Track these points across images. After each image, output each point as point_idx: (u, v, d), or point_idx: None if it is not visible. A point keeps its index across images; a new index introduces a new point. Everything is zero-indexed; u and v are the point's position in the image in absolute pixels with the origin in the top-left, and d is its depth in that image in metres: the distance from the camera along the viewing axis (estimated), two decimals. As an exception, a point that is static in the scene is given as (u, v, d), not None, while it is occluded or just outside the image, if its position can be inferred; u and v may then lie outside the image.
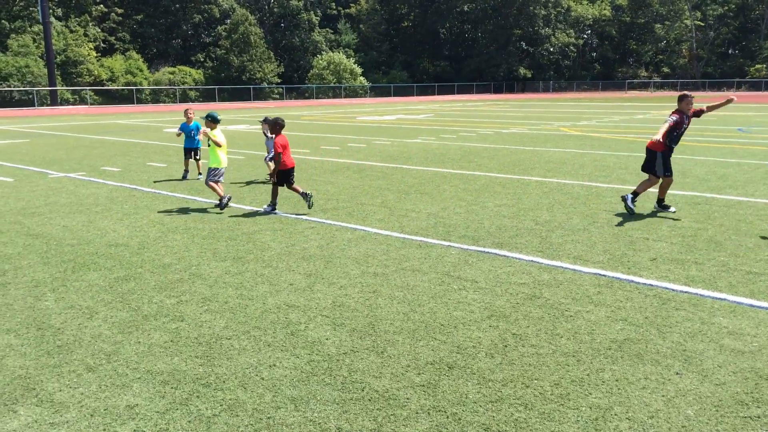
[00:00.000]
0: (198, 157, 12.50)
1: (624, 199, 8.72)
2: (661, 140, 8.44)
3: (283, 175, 8.94)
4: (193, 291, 5.61)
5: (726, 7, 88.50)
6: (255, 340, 4.54)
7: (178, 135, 12.38)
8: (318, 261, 6.50)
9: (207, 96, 64.39)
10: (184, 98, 62.57)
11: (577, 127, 24.37)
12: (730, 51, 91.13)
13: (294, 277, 5.96)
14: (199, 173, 12.36)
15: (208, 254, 6.80)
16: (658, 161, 8.61)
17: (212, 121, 9.20)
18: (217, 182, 9.30)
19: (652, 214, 8.55)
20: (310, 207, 9.03)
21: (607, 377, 3.93)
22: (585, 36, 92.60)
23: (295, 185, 9.07)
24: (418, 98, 70.27)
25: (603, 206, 9.13)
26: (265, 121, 10.94)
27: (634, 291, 5.51)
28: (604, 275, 5.95)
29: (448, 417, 3.49)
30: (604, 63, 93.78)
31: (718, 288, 5.53)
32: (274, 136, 8.90)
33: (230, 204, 9.42)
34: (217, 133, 9.22)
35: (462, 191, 10.54)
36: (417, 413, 3.53)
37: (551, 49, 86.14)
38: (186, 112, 12.40)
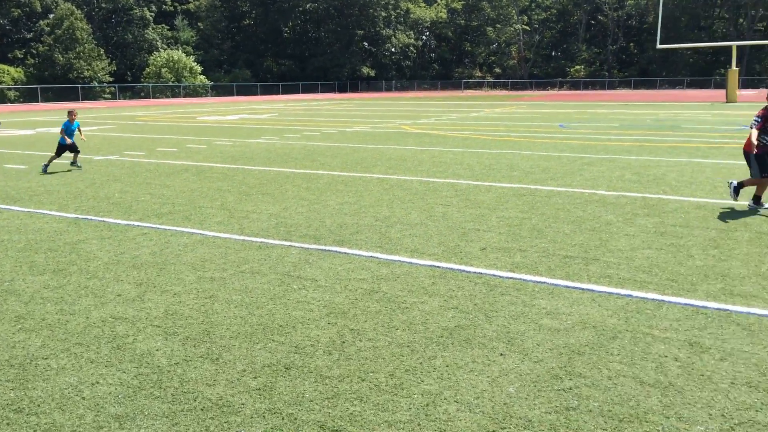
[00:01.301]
0: (78, 150, 13.70)
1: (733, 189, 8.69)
2: (754, 142, 8.22)
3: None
4: (5, 309, 5.12)
5: (548, 12, 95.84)
6: (76, 357, 4.23)
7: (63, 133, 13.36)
8: (150, 269, 6.19)
9: (29, 96, 59.22)
10: (2, 99, 57.12)
11: (417, 125, 25.24)
12: (553, 53, 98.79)
13: (123, 288, 5.63)
14: (75, 162, 13.63)
15: (24, 268, 6.25)
16: (752, 162, 8.54)
17: None
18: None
19: (484, 207, 9.03)
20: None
21: (439, 364, 4.09)
22: (424, 37, 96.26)
23: None
24: (262, 98, 69.33)
25: (439, 200, 9.52)
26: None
27: (465, 280, 5.79)
28: (438, 266, 6.20)
29: (284, 418, 3.46)
30: (442, 63, 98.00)
31: (539, 272, 5.95)
32: None
33: (51, 212, 8.73)
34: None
35: (304, 190, 10.53)
36: (252, 418, 3.47)
37: (392, 50, 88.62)
38: (70, 113, 13.59)
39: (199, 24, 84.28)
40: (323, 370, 4.03)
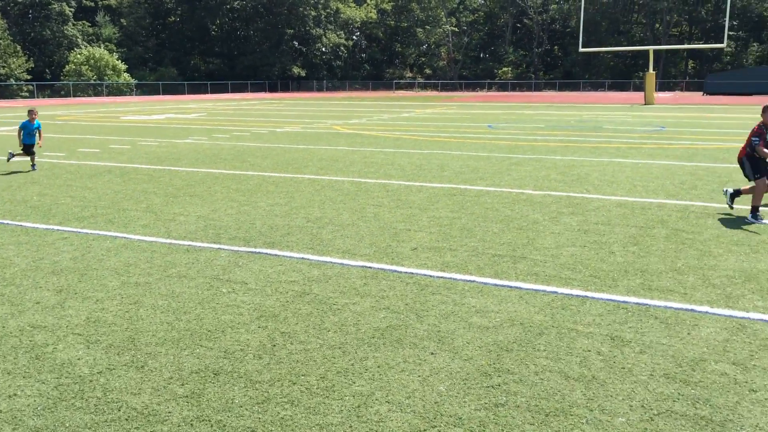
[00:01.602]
0: (34, 152, 13.40)
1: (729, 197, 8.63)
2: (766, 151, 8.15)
3: None
4: None
5: (476, 15, 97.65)
6: (-10, 369, 4.02)
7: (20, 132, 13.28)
8: (71, 274, 5.94)
9: (-62, 94, 55.98)
10: None
11: (349, 126, 25.23)
12: (481, 55, 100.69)
13: (42, 295, 5.39)
14: (34, 165, 13.30)
15: (-66, 276, 5.89)
16: (746, 165, 8.47)
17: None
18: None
19: (415, 208, 9.11)
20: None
21: (370, 365, 4.10)
22: (354, 37, 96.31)
23: None
24: (190, 96, 67.79)
25: (371, 201, 9.54)
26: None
27: (396, 280, 5.82)
28: (370, 267, 6.21)
29: (212, 425, 3.39)
30: (373, 64, 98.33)
31: (469, 271, 6.05)
32: None
33: (-35, 217, 8.28)
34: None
35: (234, 192, 10.35)
36: (179, 426, 3.38)
37: (323, 49, 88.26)
38: (30, 112, 13.45)
39: (122, 20, 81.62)
40: (253, 374, 3.97)
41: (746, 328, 4.65)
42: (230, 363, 4.13)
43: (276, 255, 6.62)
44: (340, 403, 3.61)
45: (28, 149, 13.24)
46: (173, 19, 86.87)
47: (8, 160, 13.65)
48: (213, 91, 77.72)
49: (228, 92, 78.61)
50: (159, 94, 72.51)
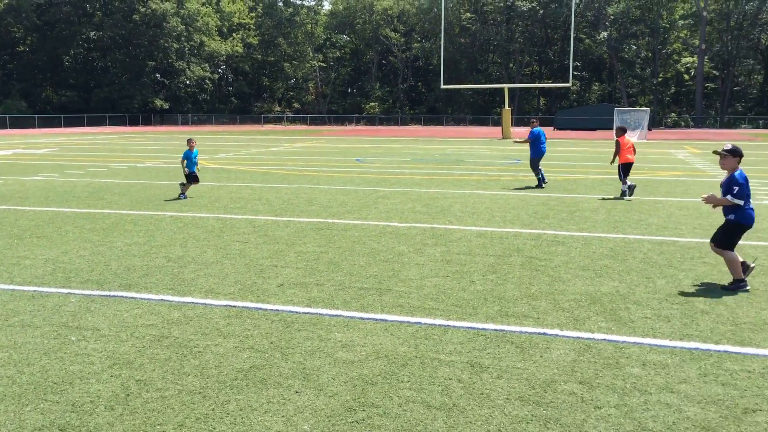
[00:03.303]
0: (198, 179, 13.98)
1: None
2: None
3: None
4: None
5: (342, 51, 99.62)
6: None
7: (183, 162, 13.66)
8: None
9: None
10: None
11: (215, 160, 24.67)
12: (349, 90, 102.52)
13: None
14: (184, 193, 13.67)
15: None
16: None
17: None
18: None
19: (282, 243, 9.02)
20: None
21: (232, 408, 3.97)
22: (220, 71, 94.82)
23: None
24: (41, 131, 63.47)
25: (237, 237, 9.34)
26: None
27: (261, 318, 5.71)
28: (234, 306, 6.06)
29: (56, 488, 3.12)
30: (240, 97, 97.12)
31: (335, 306, 6.06)
32: None
33: None
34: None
35: (88, 232, 9.76)
36: (17, 492, 3.08)
37: (188, 82, 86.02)
38: (189, 141, 13.73)
39: (-38, 48, 75.40)
40: (104, 427, 3.72)
41: (591, 348, 4.98)
42: (78, 417, 3.85)
43: (132, 297, 6.30)
44: (199, 452, 3.46)
45: (194, 177, 13.75)
46: (22, 48, 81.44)
47: (181, 197, 13.63)
48: (67, 125, 73.26)
49: (84, 126, 74.42)
50: (5, 128, 67.33)
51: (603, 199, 13.56)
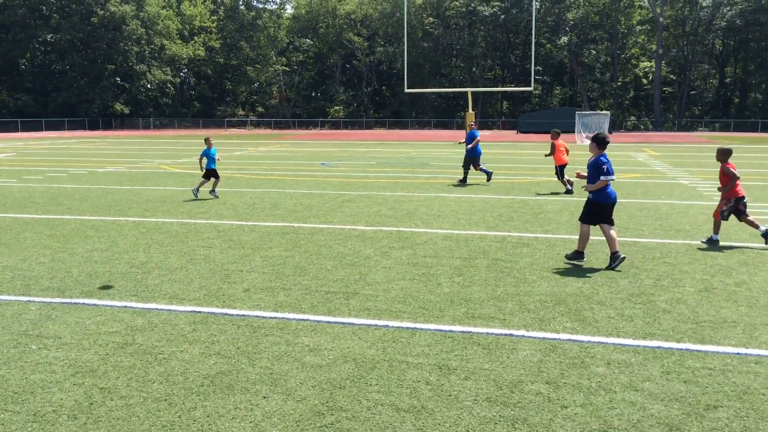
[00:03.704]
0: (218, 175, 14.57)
1: None
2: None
3: None
4: None
5: (305, 55, 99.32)
6: None
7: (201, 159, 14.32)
8: None
9: None
10: None
11: (178, 165, 24.36)
12: (313, 93, 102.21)
13: None
14: (214, 191, 14.43)
15: None
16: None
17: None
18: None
19: (247, 248, 8.95)
20: None
21: (199, 415, 3.92)
22: (182, 74, 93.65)
23: None
24: (-3, 135, 61.82)
25: (201, 242, 9.23)
26: None
27: (228, 323, 5.65)
28: (200, 312, 5.98)
29: (17, 501, 3.04)
30: (203, 101, 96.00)
31: (302, 310, 6.03)
32: None
33: None
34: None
35: (48, 238, 9.54)
36: (-24, 506, 3.00)
37: (149, 86, 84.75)
38: (207, 140, 14.53)
39: None
40: (67, 438, 3.63)
41: (557, 349, 5.05)
42: (40, 426, 3.76)
43: (95, 305, 6.17)
44: (166, 460, 3.41)
45: (212, 174, 14.32)
46: (-24, 50, 79.27)
47: (196, 195, 14.26)
48: (24, 130, 71.50)
49: (42, 130, 72.72)
50: (-41, 132, 65.40)
51: (562, 198, 13.76)
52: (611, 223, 7.88)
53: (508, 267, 7.74)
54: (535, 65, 48.29)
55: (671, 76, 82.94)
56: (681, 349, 5.03)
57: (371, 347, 5.06)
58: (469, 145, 17.29)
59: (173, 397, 4.16)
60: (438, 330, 5.48)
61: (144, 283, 6.99)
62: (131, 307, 6.09)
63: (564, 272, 7.47)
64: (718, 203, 9.47)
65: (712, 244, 9.06)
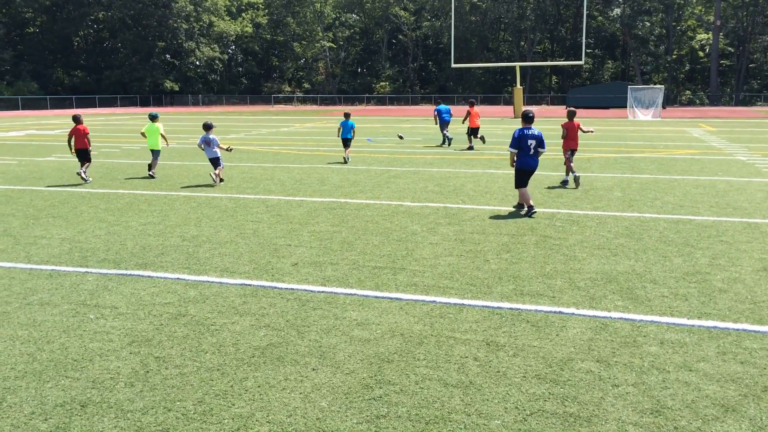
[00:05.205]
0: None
1: None
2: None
3: None
4: None
5: (352, 30, 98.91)
6: None
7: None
8: None
9: None
10: None
11: (226, 141, 24.67)
12: (359, 69, 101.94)
13: None
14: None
15: None
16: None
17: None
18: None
19: (295, 223, 9.03)
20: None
21: (250, 385, 4.00)
22: (230, 51, 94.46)
23: None
24: (53, 112, 63.71)
25: (250, 217, 9.36)
26: None
27: (277, 297, 5.73)
28: (249, 285, 6.08)
29: (79, 462, 3.16)
30: (250, 78, 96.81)
31: (350, 284, 6.07)
32: None
33: None
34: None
35: (103, 211, 9.81)
36: (41, 466, 3.13)
37: (197, 63, 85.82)
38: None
39: (-27, 30, 75.40)
40: (124, 404, 3.76)
41: (608, 327, 4.97)
42: (99, 393, 3.89)
43: (149, 276, 6.34)
44: (219, 427, 3.49)
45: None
46: (32, 30, 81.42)
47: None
48: (79, 106, 73.41)
49: (96, 107, 74.58)
50: (18, 109, 67.61)
51: (613, 175, 13.44)
52: (525, 185, 9.64)
53: (557, 244, 7.63)
54: (585, 38, 47.11)
55: (729, 49, 79.77)
56: (738, 330, 4.89)
57: (419, 322, 5.07)
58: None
59: (225, 367, 4.25)
60: (486, 306, 5.45)
61: (195, 256, 7.14)
62: (183, 280, 6.23)
63: (615, 250, 7.32)
64: None
65: (772, 222, 8.76)
